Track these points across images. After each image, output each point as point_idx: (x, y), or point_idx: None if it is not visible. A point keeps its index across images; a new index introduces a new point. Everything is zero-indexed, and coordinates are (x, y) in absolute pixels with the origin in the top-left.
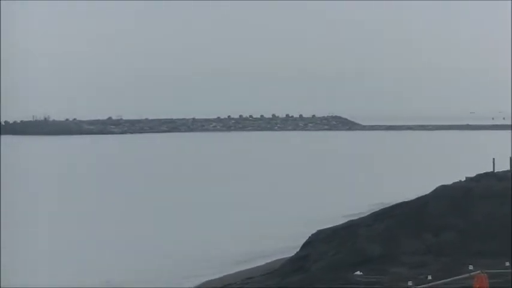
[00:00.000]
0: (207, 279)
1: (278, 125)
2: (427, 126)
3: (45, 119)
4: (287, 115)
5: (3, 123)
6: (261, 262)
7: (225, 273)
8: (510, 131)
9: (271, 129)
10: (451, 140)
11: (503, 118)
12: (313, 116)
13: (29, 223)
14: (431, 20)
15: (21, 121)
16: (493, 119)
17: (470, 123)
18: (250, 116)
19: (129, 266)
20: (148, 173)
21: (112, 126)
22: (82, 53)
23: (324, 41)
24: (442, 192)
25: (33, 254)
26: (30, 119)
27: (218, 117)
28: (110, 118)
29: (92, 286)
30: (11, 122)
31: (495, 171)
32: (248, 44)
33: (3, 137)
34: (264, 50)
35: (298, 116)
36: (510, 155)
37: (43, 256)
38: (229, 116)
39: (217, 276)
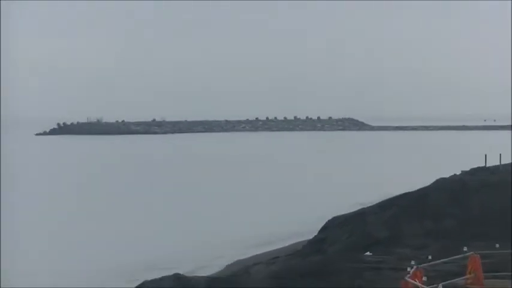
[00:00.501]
0: (238, 259)
1: (299, 126)
2: (429, 127)
3: (98, 120)
4: (307, 117)
5: (62, 124)
6: (284, 244)
7: (253, 254)
8: (500, 131)
9: (293, 129)
10: (449, 139)
11: (494, 120)
12: (330, 118)
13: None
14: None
15: (78, 122)
16: (485, 120)
17: (466, 124)
18: (275, 118)
19: (169, 247)
20: (187, 168)
21: (155, 127)
22: (129, 59)
23: (333, 49)
24: (441, 184)
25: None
26: (85, 120)
27: (247, 119)
28: (154, 120)
29: None
30: (68, 123)
31: (487, 165)
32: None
33: (63, 136)
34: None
35: (316, 118)
36: (500, 152)
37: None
38: (256, 118)
39: (246, 256)
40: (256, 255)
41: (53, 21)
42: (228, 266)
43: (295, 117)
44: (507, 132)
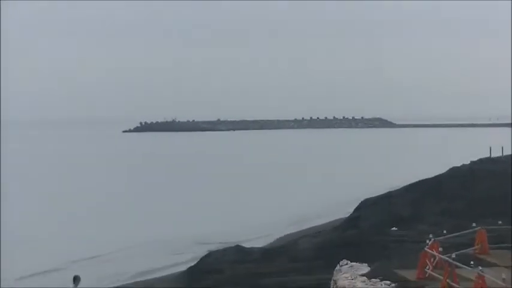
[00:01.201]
0: (286, 233)
1: (337, 124)
2: (443, 124)
3: (173, 120)
4: (343, 117)
5: (144, 123)
6: (326, 220)
7: (300, 229)
8: (502, 128)
9: (332, 127)
10: (460, 135)
11: (497, 119)
12: (362, 117)
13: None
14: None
15: (156, 122)
16: (490, 119)
17: (474, 123)
18: (318, 118)
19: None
20: (244, 158)
21: (220, 125)
22: (186, 61)
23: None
24: (453, 172)
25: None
26: (162, 120)
27: (295, 119)
28: (218, 120)
29: None
30: (148, 122)
31: (491, 156)
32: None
33: (144, 133)
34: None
35: (351, 118)
36: (502, 146)
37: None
38: (302, 118)
39: (293, 231)
40: (302, 230)
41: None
42: (278, 239)
43: (334, 117)
44: (508, 129)
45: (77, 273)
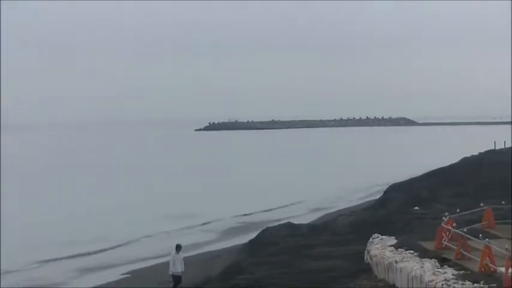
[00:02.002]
0: (327, 213)
1: (369, 123)
2: (456, 122)
3: (235, 121)
4: (374, 117)
5: (212, 123)
6: (359, 202)
7: (338, 208)
8: (504, 125)
9: (363, 125)
10: (470, 131)
11: (500, 118)
12: (390, 117)
13: None
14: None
15: (221, 122)
16: (494, 118)
17: (480, 121)
18: (353, 118)
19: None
20: (291, 149)
21: (273, 125)
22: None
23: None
24: (464, 161)
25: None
26: (227, 120)
27: (334, 119)
28: (272, 120)
29: None
30: (216, 122)
31: (495, 148)
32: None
33: (211, 132)
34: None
35: (380, 118)
36: (504, 140)
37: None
38: (341, 118)
39: (333, 210)
40: (340, 209)
41: None
42: (320, 217)
43: (367, 117)
44: (508, 126)
45: (178, 242)
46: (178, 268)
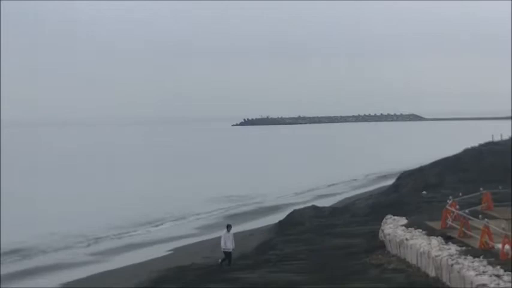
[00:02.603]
0: (346, 196)
1: (383, 118)
2: (461, 118)
3: (267, 117)
4: (388, 113)
5: (247, 119)
6: (375, 187)
7: (356, 193)
8: (501, 121)
9: (378, 120)
10: (472, 125)
11: (498, 114)
12: (401, 114)
13: None
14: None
15: (255, 118)
16: (495, 114)
17: (481, 116)
18: (370, 115)
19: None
20: (312, 140)
21: (300, 120)
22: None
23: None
24: (467, 152)
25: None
26: (259, 116)
27: (353, 115)
28: (299, 116)
29: None
30: (250, 118)
31: (494, 140)
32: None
33: (247, 127)
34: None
35: (393, 114)
36: (501, 133)
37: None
38: (358, 114)
39: (351, 195)
40: (358, 194)
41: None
42: (340, 201)
43: (381, 113)
44: (509, 122)
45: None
46: (229, 245)
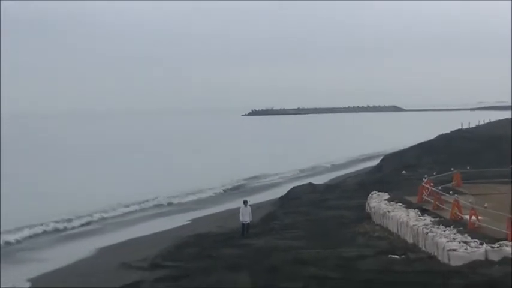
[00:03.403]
0: (338, 175)
1: (369, 109)
2: (436, 109)
3: (272, 108)
4: (373, 105)
5: (254, 110)
6: (362, 167)
7: (345, 172)
8: (472, 111)
9: (366, 111)
10: (450, 116)
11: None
12: (385, 105)
13: None
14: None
15: (261, 109)
16: (472, 105)
17: (460, 108)
18: (358, 106)
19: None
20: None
21: (300, 111)
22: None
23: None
24: (440, 137)
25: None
26: (264, 108)
27: (343, 107)
28: (298, 108)
29: None
30: (257, 109)
31: (462, 128)
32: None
33: (254, 117)
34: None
35: (377, 105)
36: (469, 122)
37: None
38: (348, 106)
39: (341, 174)
40: (347, 173)
41: None
42: (332, 179)
43: (367, 105)
44: (485, 112)
45: (245, 198)
46: (246, 218)
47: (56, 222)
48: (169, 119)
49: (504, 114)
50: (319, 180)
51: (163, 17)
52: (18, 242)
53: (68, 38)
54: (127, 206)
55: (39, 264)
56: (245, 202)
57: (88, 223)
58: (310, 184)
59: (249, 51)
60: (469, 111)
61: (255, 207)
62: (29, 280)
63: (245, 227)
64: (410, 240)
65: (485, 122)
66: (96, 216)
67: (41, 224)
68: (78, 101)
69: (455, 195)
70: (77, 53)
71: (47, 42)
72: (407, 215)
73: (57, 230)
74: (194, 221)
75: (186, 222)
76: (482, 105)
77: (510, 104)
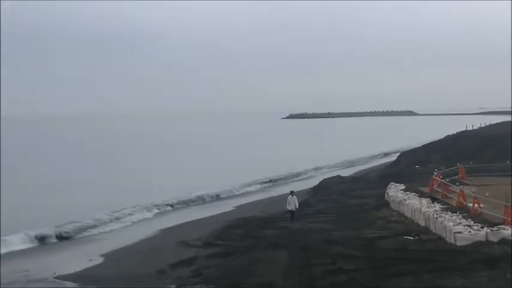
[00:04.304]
0: (361, 169)
1: (388, 114)
2: (445, 113)
3: (305, 112)
4: (391, 110)
5: (292, 114)
6: (381, 162)
7: (368, 167)
8: (478, 116)
9: (384, 115)
10: (455, 119)
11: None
12: (401, 110)
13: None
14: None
15: (298, 113)
16: (477, 109)
17: (465, 112)
18: (379, 110)
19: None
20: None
21: (329, 115)
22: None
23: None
24: (447, 137)
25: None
26: (299, 112)
27: (366, 111)
28: (328, 112)
29: None
30: (294, 113)
31: (467, 129)
32: None
33: (292, 119)
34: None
35: (395, 110)
36: (472, 124)
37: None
38: (370, 111)
39: (365, 168)
40: (369, 167)
41: None
42: (357, 172)
43: (387, 110)
44: (489, 116)
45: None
46: (292, 206)
47: (134, 207)
48: (225, 120)
49: (502, 118)
50: (346, 173)
51: (220, 33)
52: (93, 226)
53: (152, 50)
54: (189, 193)
55: (110, 243)
56: (292, 193)
57: (156, 208)
58: (339, 176)
59: (287, 63)
60: (472, 116)
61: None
62: (101, 255)
63: (292, 213)
64: (422, 224)
65: (486, 124)
66: (163, 203)
67: (118, 211)
68: (158, 102)
69: (461, 186)
70: (152, 63)
71: (136, 57)
72: (420, 203)
73: (129, 214)
74: (239, 207)
75: (232, 208)
76: (483, 111)
77: (510, 109)
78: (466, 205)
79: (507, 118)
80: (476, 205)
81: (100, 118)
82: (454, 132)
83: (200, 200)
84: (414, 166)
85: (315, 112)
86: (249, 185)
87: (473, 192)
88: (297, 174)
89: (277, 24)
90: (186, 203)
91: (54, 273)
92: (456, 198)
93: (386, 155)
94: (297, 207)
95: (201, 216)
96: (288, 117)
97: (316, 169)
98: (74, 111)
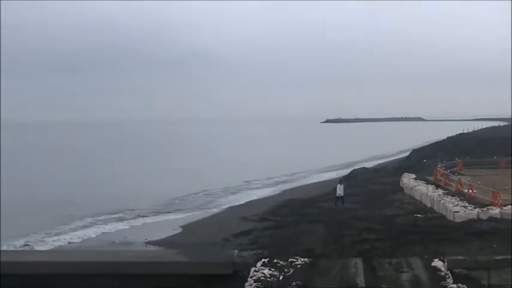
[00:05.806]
0: (381, 162)
1: (402, 119)
2: (451, 119)
3: (339, 117)
4: (402, 116)
5: (328, 119)
6: (396, 157)
7: (387, 160)
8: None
9: (398, 120)
10: (456, 124)
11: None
12: (411, 116)
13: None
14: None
15: (332, 118)
16: (475, 116)
17: (465, 118)
18: (395, 116)
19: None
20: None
21: (358, 120)
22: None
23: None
24: (448, 139)
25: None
26: (334, 117)
27: (385, 117)
28: (356, 118)
29: None
30: (330, 118)
31: (464, 132)
32: None
33: (329, 123)
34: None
35: (407, 117)
36: (468, 128)
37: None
38: (388, 117)
39: (385, 161)
40: (388, 161)
41: None
42: (378, 164)
43: (401, 116)
44: (485, 122)
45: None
46: (340, 192)
47: (206, 190)
48: (277, 124)
49: (491, 124)
50: (370, 164)
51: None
52: (176, 203)
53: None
54: (248, 181)
55: (188, 215)
56: (340, 181)
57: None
58: (364, 168)
59: (322, 75)
60: (467, 121)
61: (328, 184)
62: (181, 226)
63: (340, 198)
64: (428, 205)
65: (479, 128)
66: (228, 187)
67: (194, 193)
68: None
69: (458, 176)
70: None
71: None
72: (427, 189)
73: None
74: (283, 192)
75: (278, 192)
76: (476, 117)
77: (497, 117)
78: (463, 191)
79: (495, 123)
80: (470, 191)
81: (184, 122)
82: (454, 134)
83: (256, 185)
84: (423, 160)
85: (344, 117)
86: (298, 173)
87: (468, 180)
88: (334, 165)
89: (315, 45)
90: (248, 186)
91: (146, 239)
92: (455, 185)
93: (401, 152)
94: (344, 193)
95: (257, 197)
96: (325, 122)
97: (351, 162)
98: (139, 117)
